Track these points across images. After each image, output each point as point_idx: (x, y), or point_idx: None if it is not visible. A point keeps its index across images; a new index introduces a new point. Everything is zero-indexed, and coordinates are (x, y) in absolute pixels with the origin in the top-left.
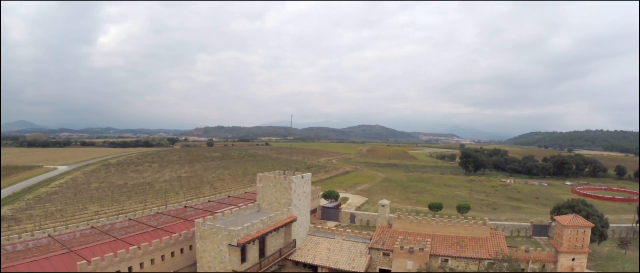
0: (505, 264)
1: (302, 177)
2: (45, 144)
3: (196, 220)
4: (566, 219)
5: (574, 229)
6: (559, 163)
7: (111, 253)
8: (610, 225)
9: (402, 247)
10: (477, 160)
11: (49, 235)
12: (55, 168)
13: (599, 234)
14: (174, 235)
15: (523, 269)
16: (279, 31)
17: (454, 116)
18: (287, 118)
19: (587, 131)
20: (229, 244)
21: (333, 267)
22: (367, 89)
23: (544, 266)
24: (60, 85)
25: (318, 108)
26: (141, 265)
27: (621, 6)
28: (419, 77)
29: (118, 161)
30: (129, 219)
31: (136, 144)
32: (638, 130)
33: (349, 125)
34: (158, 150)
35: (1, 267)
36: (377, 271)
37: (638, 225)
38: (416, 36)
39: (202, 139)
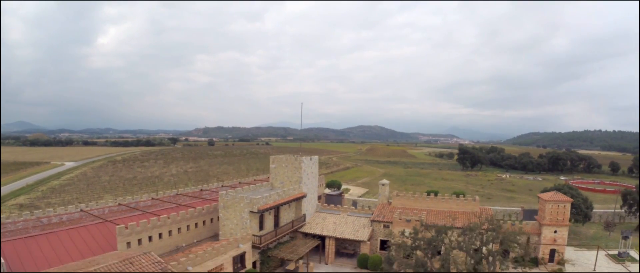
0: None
1: (311, 159)
2: (47, 143)
3: (220, 192)
4: (548, 195)
5: (554, 204)
6: (554, 159)
7: (145, 220)
8: (598, 210)
9: (400, 218)
10: (474, 156)
11: (80, 210)
12: (63, 164)
13: (583, 215)
14: (197, 207)
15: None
16: (278, 32)
17: (454, 117)
18: (286, 118)
19: (586, 132)
20: (250, 211)
21: (339, 236)
22: (366, 90)
23: (529, 238)
24: (59, 86)
25: (317, 108)
26: (170, 232)
27: (620, 7)
28: (419, 78)
29: (123, 158)
30: (152, 198)
31: (138, 143)
32: (638, 130)
33: (348, 126)
34: (160, 149)
35: (36, 237)
36: (378, 241)
37: (623, 209)
38: (415, 37)
39: (202, 139)
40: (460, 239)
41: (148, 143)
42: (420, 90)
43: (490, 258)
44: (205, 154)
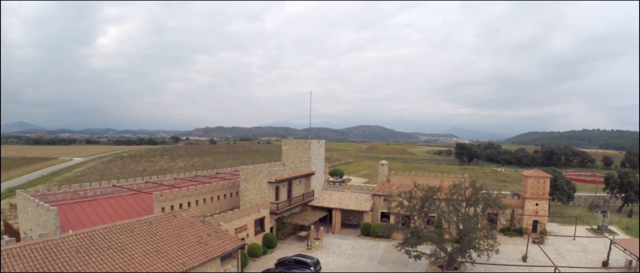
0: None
1: (318, 142)
2: (49, 142)
3: (241, 167)
4: (529, 172)
5: (535, 179)
6: (548, 153)
7: (176, 189)
8: (583, 194)
9: (398, 192)
10: (471, 151)
11: (113, 185)
12: (71, 159)
13: (566, 195)
14: (219, 182)
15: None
16: (278, 32)
17: (453, 117)
18: (286, 118)
19: (584, 131)
20: (268, 181)
21: (345, 208)
22: (366, 90)
23: (513, 211)
24: (59, 86)
25: (317, 109)
26: (196, 202)
27: (620, 6)
28: (418, 78)
29: (129, 154)
30: (175, 178)
31: (140, 142)
32: (637, 129)
33: (348, 126)
34: (164, 147)
35: (80, 203)
36: (379, 213)
37: (605, 191)
38: (415, 37)
39: (203, 138)
40: (447, 196)
41: (151, 142)
42: (420, 90)
43: (475, 218)
44: (209, 151)
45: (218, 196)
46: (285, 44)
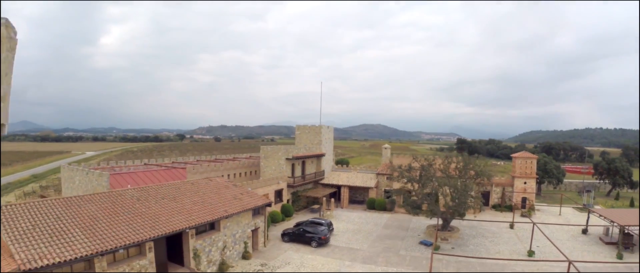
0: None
1: (328, 127)
2: (57, 139)
3: (262, 146)
4: (518, 154)
5: (523, 160)
6: (547, 148)
7: (206, 164)
8: (574, 181)
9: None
10: (472, 146)
11: (144, 164)
12: (84, 153)
13: (556, 178)
14: (241, 160)
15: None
16: (281, 31)
17: (456, 116)
18: (289, 118)
19: (587, 129)
20: (286, 158)
21: (352, 185)
22: (368, 89)
23: (503, 188)
24: (62, 86)
25: (319, 108)
26: (222, 176)
27: (623, 6)
28: (421, 77)
29: (139, 149)
30: (197, 160)
31: (146, 139)
32: (638, 128)
33: (350, 125)
34: (170, 144)
35: (122, 174)
36: (383, 191)
37: (594, 177)
38: (418, 36)
39: (207, 137)
40: (442, 167)
41: (156, 139)
42: (423, 89)
43: (466, 183)
44: (215, 147)
45: (240, 173)
46: (288, 43)
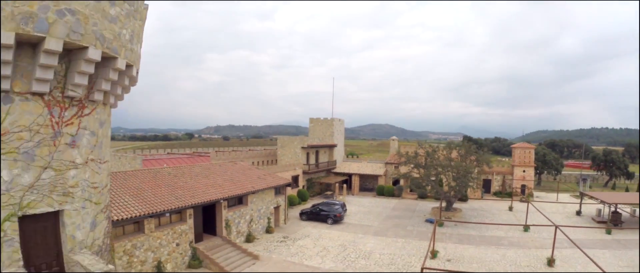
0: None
1: (339, 120)
2: None
3: (279, 137)
4: (517, 144)
5: (522, 150)
6: (550, 145)
7: (227, 152)
8: (574, 172)
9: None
10: (477, 142)
11: (168, 153)
12: None
13: (554, 169)
14: (259, 149)
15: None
16: (289, 31)
17: (464, 116)
18: (297, 117)
19: (593, 129)
20: (302, 147)
21: (362, 173)
22: (376, 89)
23: (504, 176)
24: None
25: (328, 107)
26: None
27: (630, 6)
28: (429, 77)
29: (149, 147)
30: (216, 150)
31: (155, 138)
32: (638, 126)
33: (358, 124)
34: (180, 142)
35: (150, 160)
36: (391, 179)
37: (592, 169)
38: (426, 36)
39: (215, 136)
40: (445, 154)
41: (165, 138)
42: (431, 89)
43: (467, 170)
44: (224, 146)
45: (258, 162)
46: (296, 42)
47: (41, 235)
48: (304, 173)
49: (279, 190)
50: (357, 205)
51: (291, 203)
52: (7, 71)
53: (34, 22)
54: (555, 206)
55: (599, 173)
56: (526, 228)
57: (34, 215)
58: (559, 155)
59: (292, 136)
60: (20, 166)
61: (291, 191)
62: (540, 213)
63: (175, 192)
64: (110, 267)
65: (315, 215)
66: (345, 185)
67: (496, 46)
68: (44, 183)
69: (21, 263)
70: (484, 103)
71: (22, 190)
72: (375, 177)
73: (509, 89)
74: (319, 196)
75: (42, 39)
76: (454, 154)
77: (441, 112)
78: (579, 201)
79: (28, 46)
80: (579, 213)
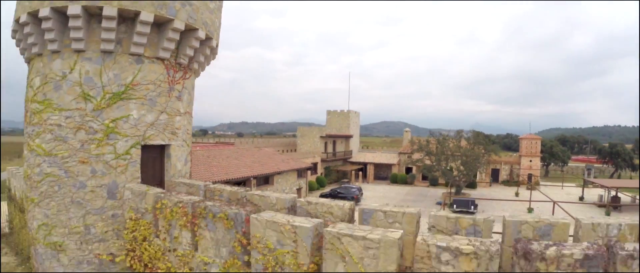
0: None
1: (355, 112)
2: None
3: (299, 127)
4: (524, 135)
5: (528, 141)
6: (562, 141)
7: (250, 140)
8: (581, 165)
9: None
10: (489, 138)
11: (192, 143)
12: None
13: (561, 160)
14: (280, 139)
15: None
16: (302, 28)
17: (476, 113)
18: (310, 115)
19: (605, 127)
20: (320, 136)
21: (377, 162)
22: (389, 86)
23: (511, 166)
24: None
25: (340, 105)
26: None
27: None
28: (442, 74)
29: None
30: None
31: None
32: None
33: (371, 121)
34: (194, 139)
35: None
36: (404, 168)
37: (600, 162)
38: (439, 34)
39: (229, 133)
40: (455, 141)
41: None
42: (444, 87)
43: (476, 157)
44: (239, 142)
45: (279, 151)
46: (310, 40)
47: (152, 162)
48: (322, 161)
49: (301, 173)
50: (372, 191)
51: (310, 188)
52: (142, 40)
53: (167, 8)
54: (560, 193)
55: (605, 165)
56: (530, 209)
57: (151, 146)
58: (567, 149)
59: (311, 127)
60: (145, 109)
61: (310, 178)
62: (544, 195)
63: (211, 170)
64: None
65: (334, 197)
66: (360, 173)
67: (509, 43)
68: (160, 122)
69: (139, 180)
70: (496, 101)
71: (145, 126)
72: (389, 166)
73: (521, 87)
74: (335, 183)
75: (171, 21)
76: (464, 142)
77: (454, 109)
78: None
79: (155, 25)
80: (581, 198)
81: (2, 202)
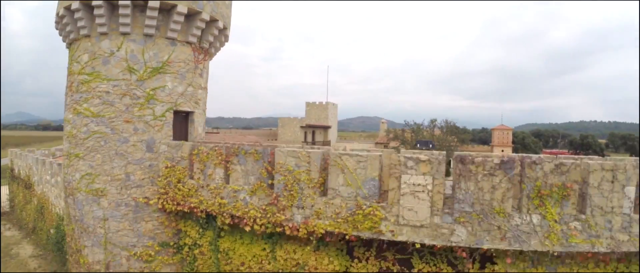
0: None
1: (333, 104)
2: (58, 128)
3: (279, 117)
4: (496, 126)
5: (500, 131)
6: (536, 134)
7: (232, 132)
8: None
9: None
10: (461, 129)
11: None
12: None
13: (533, 152)
14: (262, 130)
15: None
16: (280, 23)
17: (454, 108)
18: (287, 110)
19: (581, 122)
20: (300, 126)
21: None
22: (366, 81)
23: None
24: (58, 75)
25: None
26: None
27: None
28: (418, 69)
29: None
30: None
31: None
32: (636, 121)
33: (347, 117)
34: None
35: None
36: None
37: (571, 153)
38: (416, 29)
39: (206, 128)
40: (428, 131)
41: None
42: (420, 82)
43: (449, 145)
44: (222, 132)
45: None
46: (286, 35)
47: (179, 125)
48: None
49: None
50: None
51: None
52: (177, 27)
53: (196, 2)
54: None
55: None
56: None
57: (180, 111)
58: (540, 142)
59: (291, 118)
60: (177, 82)
61: None
62: None
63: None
64: None
65: None
66: None
67: (486, 38)
68: (187, 93)
69: (171, 138)
70: (473, 96)
71: (177, 95)
72: None
73: (498, 82)
74: None
75: (199, 13)
76: (437, 131)
77: (431, 104)
78: None
79: (187, 15)
80: None
81: (2, 185)
